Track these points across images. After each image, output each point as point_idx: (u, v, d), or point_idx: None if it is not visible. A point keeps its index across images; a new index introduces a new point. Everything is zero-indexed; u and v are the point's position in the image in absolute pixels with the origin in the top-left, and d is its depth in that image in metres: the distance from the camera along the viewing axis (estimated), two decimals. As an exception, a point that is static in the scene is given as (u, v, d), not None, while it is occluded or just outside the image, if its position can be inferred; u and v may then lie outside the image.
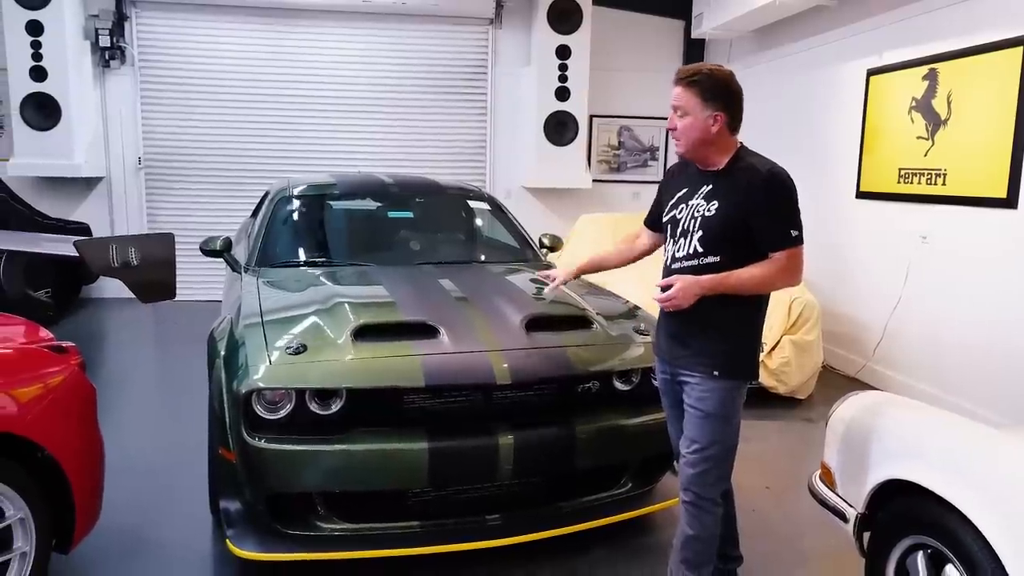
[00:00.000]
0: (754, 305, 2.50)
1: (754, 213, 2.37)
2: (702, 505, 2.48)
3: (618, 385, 3.18)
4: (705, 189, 2.48)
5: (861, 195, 6.03)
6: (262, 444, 2.70)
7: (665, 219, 2.61)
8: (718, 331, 2.44)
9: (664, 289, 2.43)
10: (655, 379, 3.18)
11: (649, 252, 2.89)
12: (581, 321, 3.30)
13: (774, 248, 2.37)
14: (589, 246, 6.63)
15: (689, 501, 2.49)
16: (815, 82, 6.75)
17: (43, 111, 7.39)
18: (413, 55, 8.52)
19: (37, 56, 7.29)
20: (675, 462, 2.77)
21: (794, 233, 2.37)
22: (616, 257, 2.96)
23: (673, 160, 9.22)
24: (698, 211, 2.46)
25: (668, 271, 2.55)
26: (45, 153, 7.47)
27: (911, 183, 5.43)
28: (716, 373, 2.43)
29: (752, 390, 5.49)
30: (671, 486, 3.24)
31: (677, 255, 2.52)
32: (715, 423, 2.45)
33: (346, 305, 3.17)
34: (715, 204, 2.43)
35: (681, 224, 2.52)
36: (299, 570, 2.91)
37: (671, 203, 2.59)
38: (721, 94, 2.42)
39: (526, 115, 8.48)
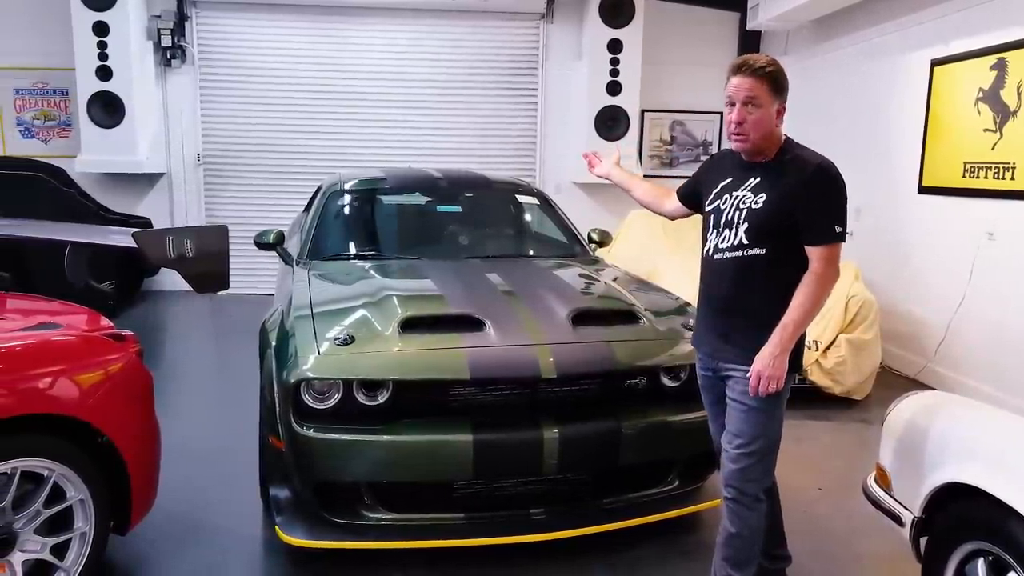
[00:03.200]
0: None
1: (801, 206, 2.32)
2: (744, 501, 2.44)
3: (665, 381, 3.14)
4: (753, 181, 2.42)
5: (924, 190, 5.82)
6: (310, 433, 2.74)
7: (708, 208, 2.56)
8: (761, 324, 2.37)
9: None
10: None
11: (669, 217, 2.92)
12: (628, 316, 3.26)
13: (815, 242, 2.32)
14: (639, 242, 6.58)
15: (731, 497, 2.46)
16: (876, 73, 6.54)
17: (108, 109, 7.64)
18: (464, 51, 8.55)
19: (103, 56, 7.54)
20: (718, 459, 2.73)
21: (838, 229, 2.32)
22: (644, 195, 2.95)
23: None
24: (744, 203, 2.41)
25: (709, 261, 2.53)
26: (110, 150, 7.73)
27: (977, 177, 5.22)
28: None
29: (807, 390, 5.37)
30: (720, 484, 3.18)
31: (720, 246, 2.47)
32: (759, 417, 2.40)
33: (394, 298, 3.20)
34: (763, 196, 2.37)
35: (725, 215, 2.46)
36: (345, 558, 2.95)
37: (714, 192, 2.54)
38: (785, 86, 2.38)
39: (577, 110, 8.43)
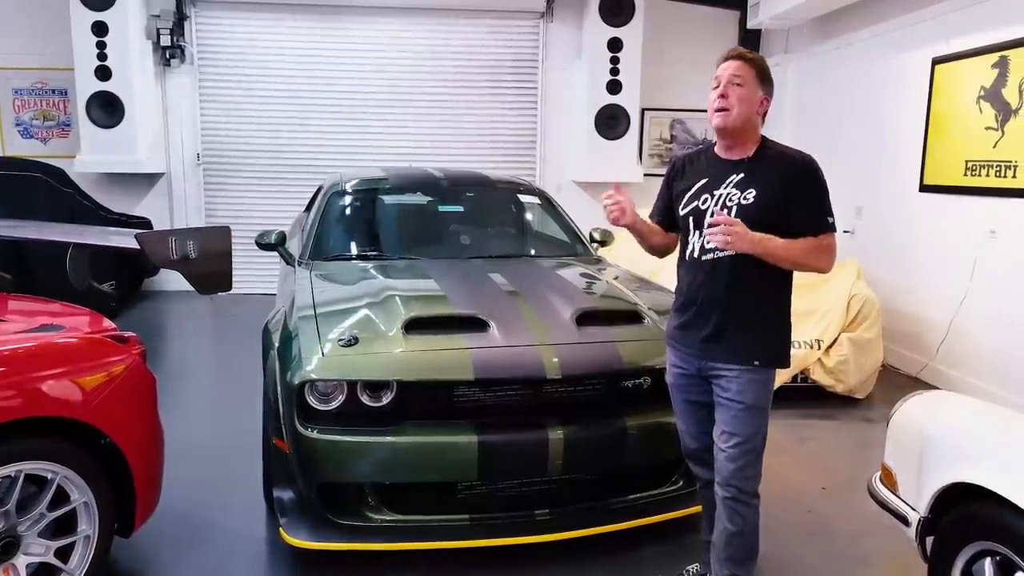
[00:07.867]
0: (787, 290, 2.48)
1: (793, 200, 2.35)
2: (743, 499, 2.43)
3: (670, 381, 3.13)
4: (736, 177, 2.42)
5: (925, 188, 5.82)
6: (314, 435, 2.74)
7: (684, 211, 2.52)
8: (754, 323, 2.41)
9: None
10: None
11: (662, 254, 2.76)
12: (632, 316, 3.26)
13: (811, 231, 2.36)
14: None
15: (731, 496, 2.44)
16: (877, 72, 6.53)
17: (107, 109, 7.62)
18: (464, 50, 8.54)
19: (102, 56, 7.52)
20: (688, 461, 2.73)
21: (830, 220, 2.38)
22: (660, 240, 2.69)
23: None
24: (731, 200, 2.40)
25: (695, 262, 2.47)
26: (109, 150, 7.71)
27: (979, 176, 5.22)
28: (757, 363, 2.39)
29: (809, 388, 5.37)
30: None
31: (708, 246, 2.42)
32: (756, 414, 2.41)
33: (397, 298, 3.19)
34: (752, 192, 2.37)
35: (709, 214, 2.42)
36: (349, 559, 2.94)
37: (690, 193, 2.50)
38: (770, 80, 2.44)
39: (577, 109, 8.42)
